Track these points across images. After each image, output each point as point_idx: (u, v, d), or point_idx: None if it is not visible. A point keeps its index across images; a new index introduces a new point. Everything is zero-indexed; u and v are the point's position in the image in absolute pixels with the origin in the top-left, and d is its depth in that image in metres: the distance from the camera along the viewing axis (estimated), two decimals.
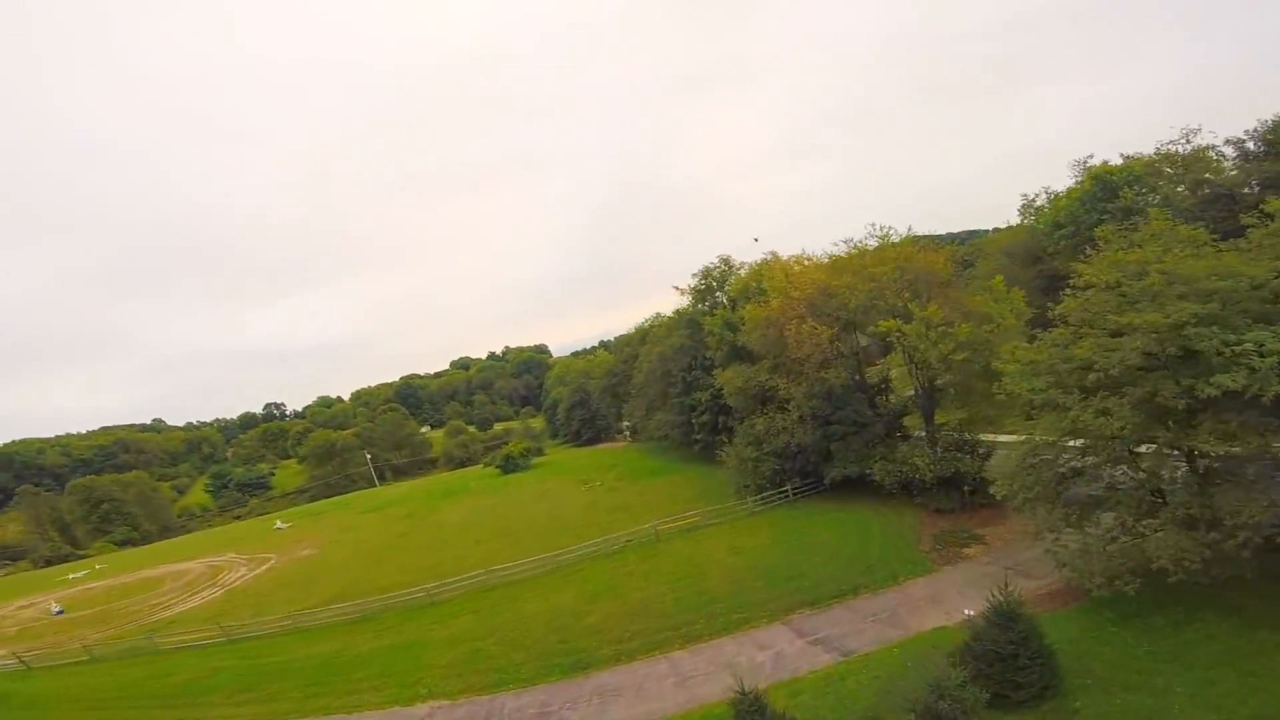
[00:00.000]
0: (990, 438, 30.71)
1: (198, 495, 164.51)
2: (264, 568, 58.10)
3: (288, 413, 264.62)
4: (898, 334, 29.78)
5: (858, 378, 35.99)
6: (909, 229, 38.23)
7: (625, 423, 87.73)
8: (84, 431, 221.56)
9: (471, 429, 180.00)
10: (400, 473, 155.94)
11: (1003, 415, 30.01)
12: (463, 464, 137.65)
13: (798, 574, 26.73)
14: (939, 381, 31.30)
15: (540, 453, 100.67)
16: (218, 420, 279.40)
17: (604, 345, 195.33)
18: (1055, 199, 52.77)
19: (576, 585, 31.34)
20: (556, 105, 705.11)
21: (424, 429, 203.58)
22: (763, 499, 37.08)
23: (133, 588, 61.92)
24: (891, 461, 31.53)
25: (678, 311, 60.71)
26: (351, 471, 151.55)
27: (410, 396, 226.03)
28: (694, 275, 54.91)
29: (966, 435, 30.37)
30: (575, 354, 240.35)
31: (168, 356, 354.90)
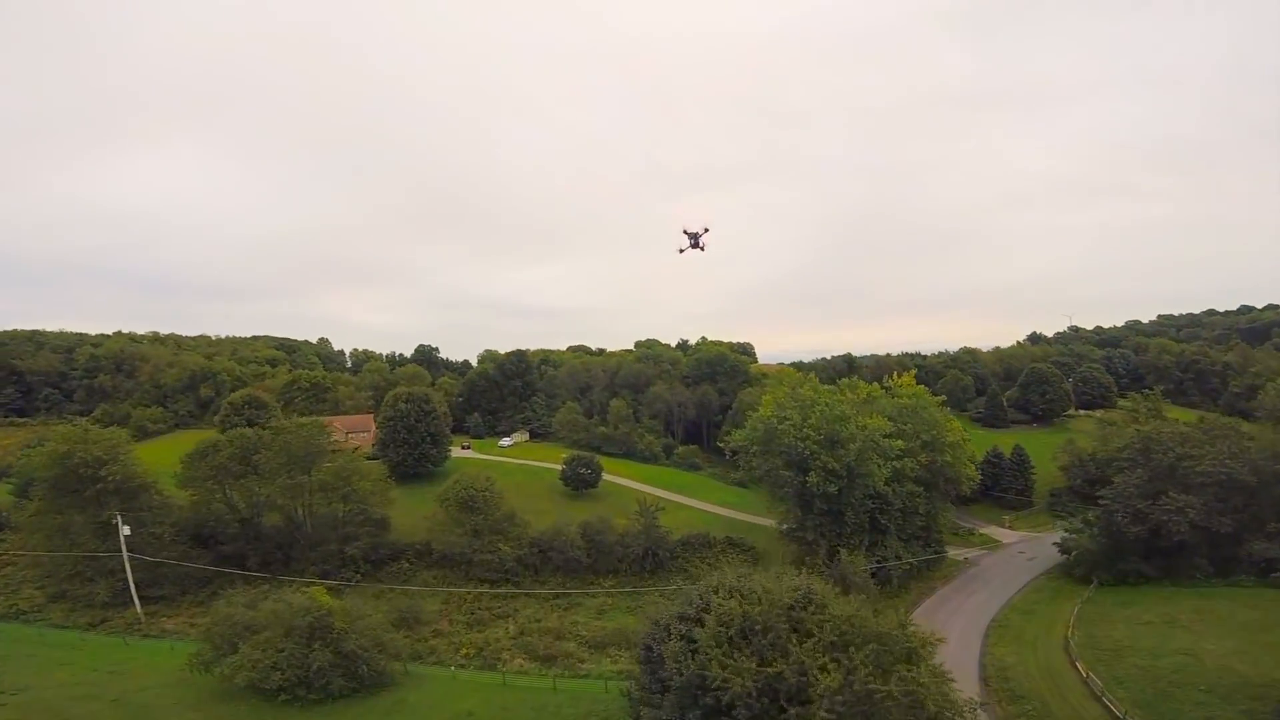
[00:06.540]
0: None
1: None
2: None
3: (439, 358, 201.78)
4: None
5: None
6: None
7: None
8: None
9: (536, 461, 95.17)
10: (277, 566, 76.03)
11: None
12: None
13: None
14: None
15: None
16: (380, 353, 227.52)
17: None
18: None
19: None
20: (810, 114, 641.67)
21: (502, 440, 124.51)
22: None
23: None
24: None
25: None
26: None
27: (517, 374, 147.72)
28: None
29: None
30: (795, 365, 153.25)
31: (432, 295, 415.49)
